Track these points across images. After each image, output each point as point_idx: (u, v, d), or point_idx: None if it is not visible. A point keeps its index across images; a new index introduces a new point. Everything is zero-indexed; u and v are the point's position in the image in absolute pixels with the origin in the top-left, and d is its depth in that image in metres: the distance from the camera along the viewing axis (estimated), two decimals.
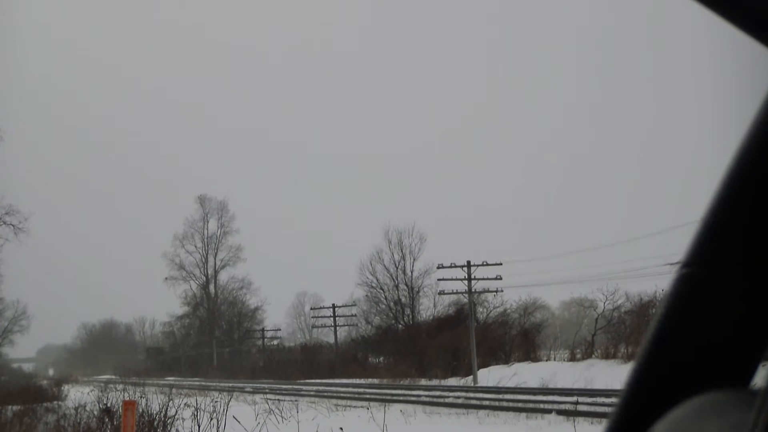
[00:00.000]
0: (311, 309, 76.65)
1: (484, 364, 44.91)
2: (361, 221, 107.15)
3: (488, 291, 47.58)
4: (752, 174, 1.04)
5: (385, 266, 62.65)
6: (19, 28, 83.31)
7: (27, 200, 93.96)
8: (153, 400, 18.97)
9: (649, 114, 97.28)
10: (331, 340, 68.87)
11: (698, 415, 0.90)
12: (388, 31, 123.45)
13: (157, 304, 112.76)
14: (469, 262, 44.78)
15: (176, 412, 18.50)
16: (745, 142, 1.05)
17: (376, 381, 48.44)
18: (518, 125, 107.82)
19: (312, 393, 39.42)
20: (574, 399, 24.16)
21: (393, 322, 62.01)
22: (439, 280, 47.81)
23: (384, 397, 32.43)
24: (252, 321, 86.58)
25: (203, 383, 55.31)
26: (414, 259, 62.08)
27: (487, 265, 44.58)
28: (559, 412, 22.74)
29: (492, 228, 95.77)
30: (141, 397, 19.73)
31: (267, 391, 42.93)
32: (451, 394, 32.14)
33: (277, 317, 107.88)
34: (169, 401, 18.58)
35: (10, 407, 26.24)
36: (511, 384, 36.21)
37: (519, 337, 49.42)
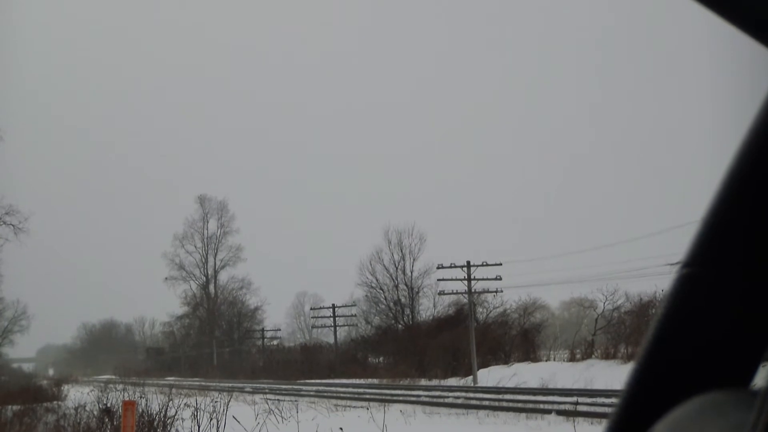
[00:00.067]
0: (311, 309, 76.67)
1: (484, 365, 44.92)
2: (361, 221, 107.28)
3: (488, 291, 47.59)
4: (752, 174, 1.04)
5: (384, 266, 62.74)
6: (19, 28, 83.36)
7: (27, 200, 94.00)
8: (153, 400, 18.97)
9: (649, 114, 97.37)
10: (331, 340, 68.89)
11: (698, 416, 0.90)
12: (388, 31, 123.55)
13: (157, 304, 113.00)
14: (468, 263, 44.79)
15: (176, 412, 18.50)
16: (745, 142, 1.04)
17: (375, 381, 48.45)
18: (518, 125, 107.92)
19: (312, 393, 39.42)
20: (574, 399, 24.16)
21: (393, 322, 62.02)
22: (438, 280, 47.85)
23: (384, 397, 32.43)
24: (252, 321, 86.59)
25: (203, 383, 55.32)
26: (414, 260, 62.17)
27: (487, 265, 44.59)
28: (559, 413, 22.74)
29: (492, 228, 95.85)
30: (141, 397, 19.73)
31: (267, 391, 42.93)
32: (450, 394, 32.14)
33: (277, 317, 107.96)
34: (169, 401, 18.59)
35: (10, 407, 26.24)
36: (510, 384, 36.21)
37: (519, 337, 49.43)
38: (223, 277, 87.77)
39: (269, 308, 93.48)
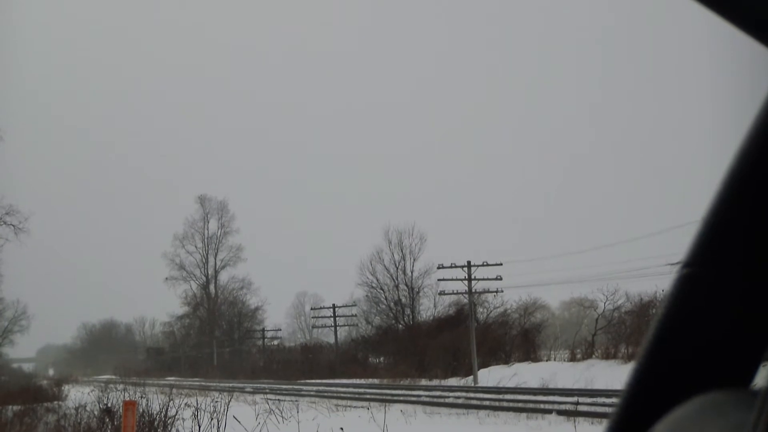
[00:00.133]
0: (311, 309, 76.68)
1: (485, 365, 44.91)
2: (361, 221, 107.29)
3: (488, 291, 47.57)
4: (753, 174, 1.04)
5: (385, 266, 62.74)
6: (19, 28, 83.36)
7: (27, 200, 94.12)
8: (153, 400, 18.98)
9: (649, 114, 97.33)
10: (332, 340, 68.89)
11: (699, 416, 0.90)
12: (388, 31, 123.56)
13: (157, 304, 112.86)
14: (469, 263, 44.78)
15: (176, 412, 18.50)
16: (745, 142, 1.05)
17: (376, 381, 48.45)
18: (518, 125, 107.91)
19: (312, 393, 39.42)
20: (574, 399, 24.16)
21: (393, 322, 62.01)
22: (439, 280, 47.85)
23: (384, 397, 32.43)
24: (252, 321, 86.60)
25: (203, 383, 55.33)
26: (414, 260, 62.17)
27: (488, 265, 44.59)
28: (560, 413, 22.74)
29: (492, 228, 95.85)
30: (141, 397, 19.74)
31: (267, 391, 42.94)
32: (451, 394, 32.14)
33: (278, 317, 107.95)
34: (169, 401, 18.59)
35: (10, 407, 26.25)
36: (511, 384, 36.20)
37: (519, 337, 49.42)
38: (224, 277, 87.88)
39: (269, 308, 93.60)
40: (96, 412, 19.87)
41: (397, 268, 62.29)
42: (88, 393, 26.02)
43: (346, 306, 67.78)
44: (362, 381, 49.20)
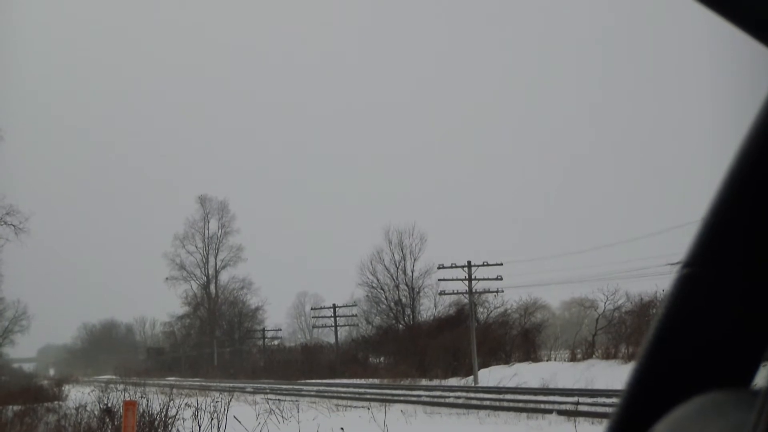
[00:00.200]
0: (312, 309, 76.67)
1: (485, 365, 44.91)
2: (361, 221, 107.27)
3: (489, 291, 47.57)
4: (753, 174, 1.04)
5: (385, 266, 62.73)
6: (19, 28, 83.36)
7: (27, 200, 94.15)
8: (154, 400, 18.97)
9: (649, 114, 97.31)
10: (332, 340, 68.90)
11: (699, 415, 0.90)
12: (388, 31, 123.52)
13: (157, 304, 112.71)
14: (469, 263, 44.78)
15: (177, 412, 18.51)
16: (745, 142, 1.05)
17: (376, 381, 48.44)
18: (518, 125, 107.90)
19: (313, 393, 39.42)
20: (574, 399, 24.16)
21: (393, 322, 62.01)
22: (439, 280, 47.85)
23: (385, 397, 32.43)
24: (253, 321, 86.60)
25: (204, 383, 55.33)
26: (414, 260, 62.16)
27: (488, 265, 44.58)
28: (560, 413, 22.74)
29: (492, 228, 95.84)
30: (142, 397, 19.73)
31: (268, 391, 42.95)
32: (451, 394, 32.14)
33: (278, 317, 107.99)
34: (169, 401, 18.59)
35: (10, 407, 26.26)
36: (511, 384, 36.20)
37: (519, 337, 49.42)
38: (224, 277, 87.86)
39: (270, 308, 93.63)
40: (96, 412, 19.88)
41: (398, 268, 62.35)
42: (89, 393, 26.03)
43: (347, 306, 67.83)
44: (363, 381, 49.20)
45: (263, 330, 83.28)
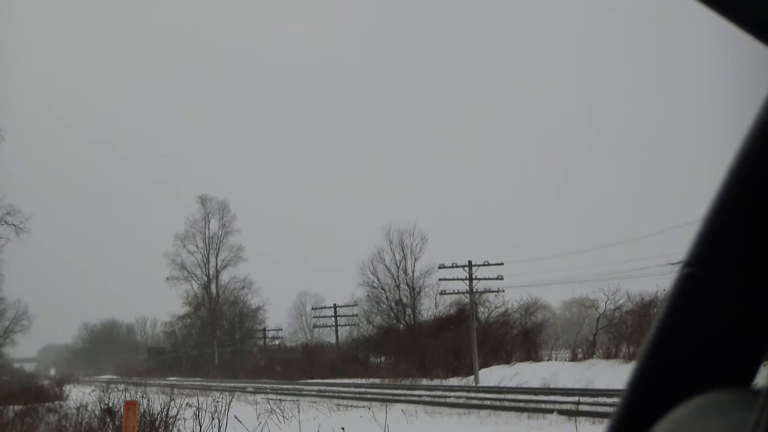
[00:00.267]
0: (313, 309, 76.70)
1: (486, 364, 44.90)
2: (361, 221, 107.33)
3: (489, 291, 47.55)
4: (753, 174, 1.04)
5: (386, 266, 62.71)
6: (19, 28, 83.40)
7: (27, 200, 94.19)
8: (154, 400, 18.98)
9: (649, 114, 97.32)
10: (333, 340, 68.91)
11: (700, 415, 0.90)
12: (388, 31, 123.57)
13: (158, 304, 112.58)
14: (470, 262, 44.77)
15: (178, 412, 18.51)
16: (746, 142, 1.05)
17: (377, 381, 48.45)
18: (518, 125, 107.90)
19: (313, 393, 39.43)
20: (575, 399, 24.16)
21: (394, 322, 62.01)
22: (440, 280, 47.82)
23: (385, 397, 32.44)
24: (253, 321, 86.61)
25: (205, 383, 55.34)
26: (415, 259, 62.14)
27: (489, 265, 44.57)
28: (561, 412, 22.74)
29: (492, 228, 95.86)
30: (142, 397, 19.75)
31: (268, 391, 42.95)
32: (452, 394, 32.13)
33: (279, 317, 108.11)
34: (170, 401, 18.59)
35: (11, 407, 26.27)
36: (512, 384, 36.20)
37: (520, 337, 49.41)
38: (225, 277, 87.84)
39: (270, 308, 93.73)
40: (97, 412, 19.88)
41: (398, 268, 62.34)
42: (90, 393, 26.03)
43: (348, 306, 67.83)
44: (363, 381, 49.21)
45: (264, 330, 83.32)
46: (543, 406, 24.57)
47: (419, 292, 61.61)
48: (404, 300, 62.00)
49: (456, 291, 47.04)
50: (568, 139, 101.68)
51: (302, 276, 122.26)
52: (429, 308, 60.80)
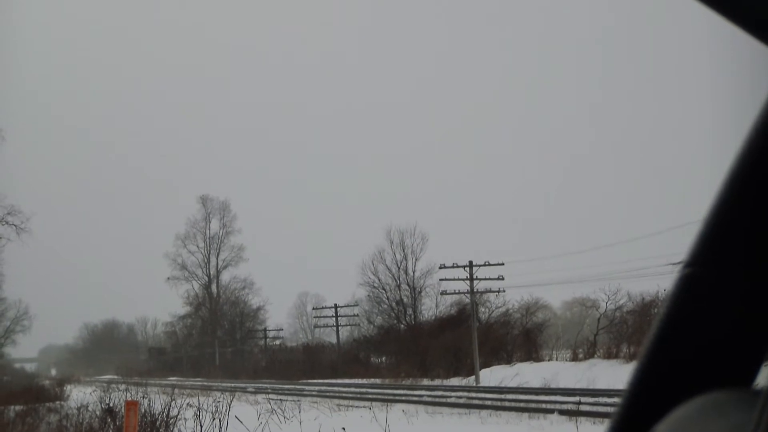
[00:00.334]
0: (313, 309, 76.69)
1: (486, 364, 44.89)
2: (361, 221, 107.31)
3: (490, 291, 47.53)
4: (753, 174, 1.04)
5: (386, 266, 62.71)
6: (19, 28, 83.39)
7: (28, 200, 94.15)
8: (155, 400, 18.98)
9: (649, 114, 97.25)
10: (333, 340, 68.93)
11: (700, 415, 0.90)
12: (388, 31, 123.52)
13: (158, 304, 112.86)
14: (471, 262, 44.77)
15: (178, 412, 18.52)
16: (746, 143, 1.05)
17: (378, 381, 48.44)
18: (518, 125, 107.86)
19: (314, 393, 39.43)
20: (576, 399, 24.15)
21: (395, 322, 62.01)
22: (441, 280, 47.83)
23: (386, 397, 32.43)
24: (254, 321, 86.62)
25: (205, 383, 55.36)
26: (416, 259, 62.13)
27: (489, 265, 44.56)
28: (562, 412, 22.74)
29: (492, 228, 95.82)
30: (143, 397, 19.74)
31: (269, 391, 42.96)
32: (453, 394, 32.13)
33: (279, 317, 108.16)
34: (171, 401, 18.60)
35: (12, 407, 26.28)
36: (513, 384, 36.20)
37: (521, 337, 49.41)
38: (225, 277, 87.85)
39: (271, 308, 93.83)
40: (98, 412, 19.90)
41: (399, 268, 62.33)
42: (90, 393, 26.03)
43: (348, 306, 67.85)
44: (364, 381, 49.20)
45: (265, 330, 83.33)
46: (544, 406, 24.56)
47: (420, 292, 61.66)
48: (405, 300, 62.03)
49: (457, 291, 47.05)
50: (568, 139, 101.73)
51: (303, 276, 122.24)
52: (430, 308, 60.87)
